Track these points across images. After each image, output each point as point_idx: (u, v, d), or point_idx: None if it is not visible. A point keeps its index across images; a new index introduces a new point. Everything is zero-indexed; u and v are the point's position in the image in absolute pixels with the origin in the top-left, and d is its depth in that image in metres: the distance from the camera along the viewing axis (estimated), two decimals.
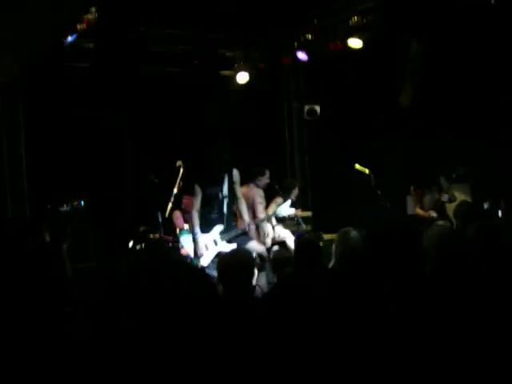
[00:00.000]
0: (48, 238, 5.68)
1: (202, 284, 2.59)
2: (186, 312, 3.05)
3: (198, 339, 2.75)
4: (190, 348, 2.91)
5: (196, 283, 2.60)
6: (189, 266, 3.70)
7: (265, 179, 8.51)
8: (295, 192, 8.83)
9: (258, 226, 7.90)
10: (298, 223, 8.32)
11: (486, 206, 7.95)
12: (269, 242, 8.04)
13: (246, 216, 7.60)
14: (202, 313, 3.03)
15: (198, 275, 3.07)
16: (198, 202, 7.38)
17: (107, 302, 3.59)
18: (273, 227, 8.27)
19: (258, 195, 8.30)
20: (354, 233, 4.78)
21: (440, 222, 4.66)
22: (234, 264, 4.08)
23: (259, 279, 6.93)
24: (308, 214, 9.71)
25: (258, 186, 8.42)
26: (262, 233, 8.06)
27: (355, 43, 8.87)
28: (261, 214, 8.07)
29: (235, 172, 7.48)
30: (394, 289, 3.62)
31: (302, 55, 9.59)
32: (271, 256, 6.87)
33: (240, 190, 7.61)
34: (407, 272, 3.80)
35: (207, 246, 7.34)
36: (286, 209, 7.73)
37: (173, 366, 2.71)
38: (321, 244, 8.35)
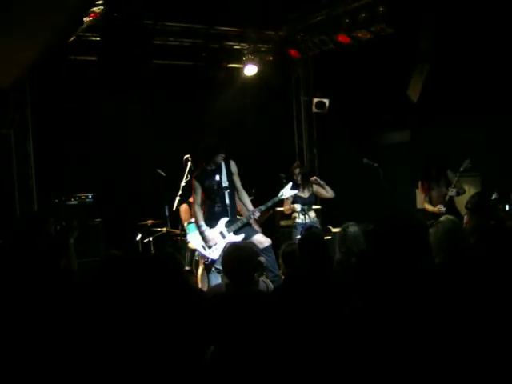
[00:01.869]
0: (54, 232, 5.68)
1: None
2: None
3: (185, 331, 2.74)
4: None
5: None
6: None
7: None
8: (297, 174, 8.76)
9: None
10: (304, 213, 8.27)
11: (494, 196, 7.87)
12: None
13: (250, 205, 7.55)
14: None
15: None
16: (198, 196, 7.37)
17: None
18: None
19: None
20: (353, 228, 4.76)
21: (443, 218, 4.61)
22: (238, 258, 4.07)
23: None
24: (317, 207, 9.68)
25: None
26: None
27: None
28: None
29: (232, 163, 7.44)
30: (398, 283, 3.59)
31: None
32: (281, 249, 6.77)
33: (239, 181, 7.56)
34: (412, 266, 3.77)
35: (215, 239, 7.31)
36: (288, 191, 7.67)
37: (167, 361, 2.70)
38: (329, 237, 8.40)
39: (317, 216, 8.97)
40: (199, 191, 7.34)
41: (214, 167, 7.30)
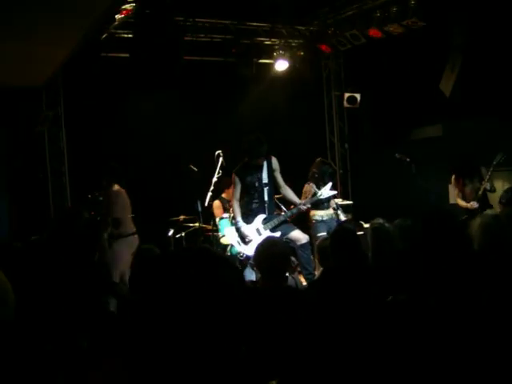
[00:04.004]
0: (88, 227, 5.76)
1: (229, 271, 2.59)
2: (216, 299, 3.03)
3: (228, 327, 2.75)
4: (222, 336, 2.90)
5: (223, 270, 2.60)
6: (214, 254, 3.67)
7: None
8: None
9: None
10: (337, 210, 8.19)
11: None
12: None
13: (296, 199, 7.50)
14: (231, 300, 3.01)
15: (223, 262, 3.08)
16: (237, 192, 7.36)
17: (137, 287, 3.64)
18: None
19: None
20: (386, 224, 4.71)
21: (488, 211, 4.56)
22: (272, 254, 4.07)
23: None
24: (348, 202, 9.63)
25: None
26: None
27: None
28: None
29: (274, 160, 7.40)
30: (441, 275, 3.56)
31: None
32: (316, 245, 6.69)
33: (281, 177, 7.51)
34: (451, 259, 3.74)
35: (250, 235, 7.29)
36: (327, 191, 7.58)
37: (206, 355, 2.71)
38: (361, 232, 8.31)
39: (348, 211, 8.90)
40: (239, 186, 7.32)
41: (255, 163, 7.29)
